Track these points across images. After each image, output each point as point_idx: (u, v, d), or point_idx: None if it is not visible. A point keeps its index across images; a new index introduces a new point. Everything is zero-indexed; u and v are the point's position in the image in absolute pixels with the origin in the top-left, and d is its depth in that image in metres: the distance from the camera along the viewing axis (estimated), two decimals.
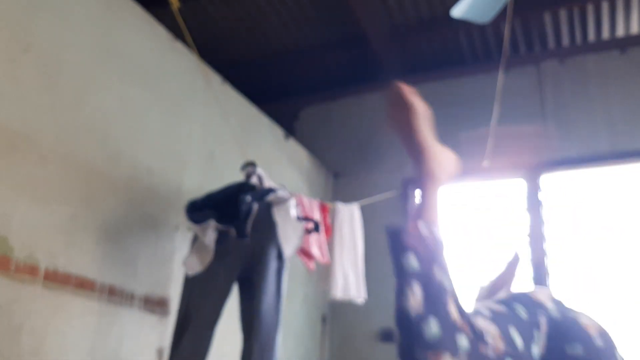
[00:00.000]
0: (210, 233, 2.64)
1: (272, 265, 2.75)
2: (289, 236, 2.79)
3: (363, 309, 3.98)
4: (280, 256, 2.79)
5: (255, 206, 2.75)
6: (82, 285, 2.48)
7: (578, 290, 4.02)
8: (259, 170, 2.99)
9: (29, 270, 2.25)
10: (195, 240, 2.76)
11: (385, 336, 4.34)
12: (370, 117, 4.96)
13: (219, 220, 2.69)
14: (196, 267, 2.64)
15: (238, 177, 3.11)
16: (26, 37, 2.37)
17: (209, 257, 2.64)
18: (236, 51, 4.80)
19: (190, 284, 2.70)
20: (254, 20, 4.47)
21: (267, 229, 2.78)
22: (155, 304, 2.89)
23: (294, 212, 2.87)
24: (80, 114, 2.60)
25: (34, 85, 2.38)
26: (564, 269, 4.07)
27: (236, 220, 2.70)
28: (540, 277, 4.05)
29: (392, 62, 4.84)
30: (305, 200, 3.29)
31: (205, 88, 3.47)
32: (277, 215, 2.80)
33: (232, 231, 2.69)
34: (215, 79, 3.58)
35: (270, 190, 2.86)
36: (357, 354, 4.40)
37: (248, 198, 2.73)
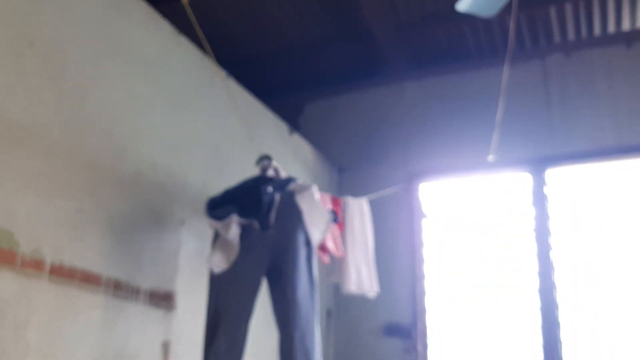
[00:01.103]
0: (233, 228, 2.61)
1: (302, 252, 2.71)
2: (316, 221, 2.75)
3: (368, 303, 3.99)
4: (308, 243, 2.76)
5: (278, 196, 2.74)
6: (88, 279, 2.49)
7: (583, 285, 4.01)
8: (274, 163, 2.97)
9: (35, 265, 2.26)
10: (217, 237, 2.74)
11: (391, 330, 4.35)
12: (375, 111, 4.95)
13: (241, 214, 2.66)
14: (222, 265, 2.61)
15: (243, 171, 3.12)
16: (31, 31, 2.37)
17: (234, 253, 2.61)
18: (241, 46, 4.79)
19: (217, 282, 2.67)
20: (258, 15, 4.46)
21: (291, 218, 2.74)
22: (160, 299, 2.89)
23: (318, 196, 2.83)
24: (86, 108, 2.60)
25: (39, 80, 2.38)
26: (569, 264, 4.06)
27: (258, 213, 2.68)
28: (545, 271, 4.04)
29: (397, 56, 4.83)
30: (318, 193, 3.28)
31: (210, 83, 3.47)
32: (302, 202, 2.76)
33: (255, 224, 2.67)
34: (220, 74, 3.58)
35: (290, 180, 2.84)
36: (362, 348, 4.41)
37: (270, 189, 2.72)
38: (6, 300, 2.14)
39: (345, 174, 4.89)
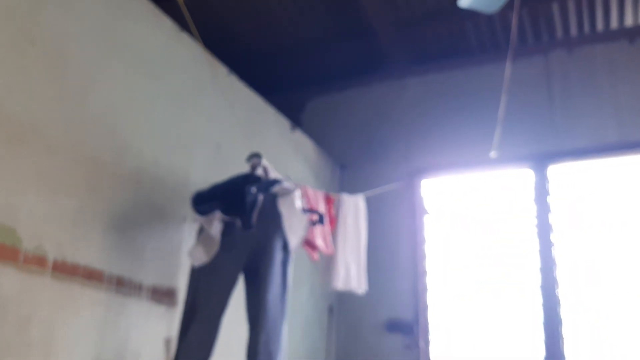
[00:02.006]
0: (216, 224, 2.66)
1: (278, 256, 2.76)
2: (294, 227, 2.80)
3: (370, 300, 4.00)
4: (285, 247, 2.80)
5: (261, 197, 2.76)
6: (90, 276, 2.50)
7: (585, 281, 4.01)
8: (264, 162, 2.99)
9: (38, 261, 2.27)
10: (202, 231, 2.78)
11: (392, 326, 4.35)
12: (377, 108, 4.95)
13: (225, 211, 2.69)
14: (202, 258, 2.66)
15: (244, 168, 3.12)
16: (33, 29, 2.37)
17: (214, 248, 2.65)
18: (242, 42, 4.79)
19: (196, 274, 2.72)
20: (260, 12, 4.46)
21: (272, 220, 2.79)
22: (163, 295, 2.90)
23: (299, 203, 2.87)
24: (87, 105, 2.60)
25: (41, 78, 2.39)
26: (571, 260, 4.06)
27: (242, 212, 2.71)
28: (547, 267, 4.04)
29: (398, 53, 4.83)
30: (310, 191, 3.29)
31: (212, 79, 3.47)
32: (283, 206, 2.81)
33: (238, 222, 2.70)
34: (221, 71, 3.58)
35: (275, 182, 2.87)
36: (364, 344, 4.42)
37: (253, 189, 2.74)
38: (9, 297, 2.15)
39: (347, 170, 4.90)
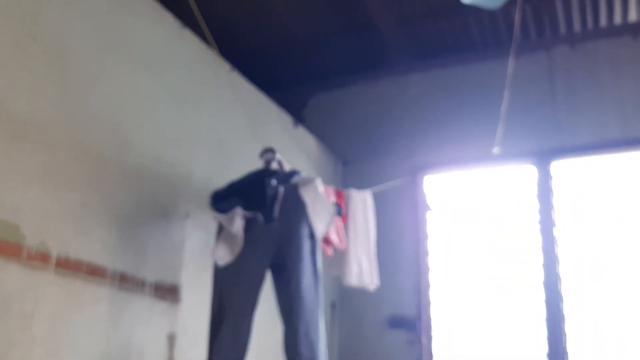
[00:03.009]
0: (238, 221, 2.62)
1: (306, 245, 2.71)
2: (320, 214, 2.75)
3: (373, 296, 4.00)
4: (312, 236, 2.76)
5: (282, 189, 2.74)
6: (94, 272, 2.51)
7: (588, 277, 4.01)
8: (278, 156, 2.97)
9: (41, 258, 2.27)
10: (221, 230, 2.74)
11: (395, 322, 4.36)
12: (379, 104, 4.94)
13: (245, 207, 2.67)
14: (226, 257, 2.62)
15: (247, 164, 3.12)
16: (34, 26, 2.37)
17: (238, 245, 2.62)
18: (245, 39, 4.79)
19: (221, 274, 2.68)
20: (263, 8, 4.45)
21: (295, 211, 2.75)
22: (166, 291, 2.91)
23: (322, 189, 2.83)
24: (89, 102, 2.60)
25: (43, 75, 2.39)
26: (574, 256, 4.05)
27: (262, 206, 2.68)
28: (550, 264, 4.04)
29: (401, 49, 4.82)
30: (321, 186, 3.28)
31: (214, 76, 3.47)
32: (306, 195, 2.76)
33: (260, 217, 2.68)
34: (224, 67, 3.57)
35: (294, 173, 2.85)
36: (366, 341, 4.42)
37: (274, 182, 2.72)
38: (12, 293, 2.16)
39: (350, 166, 4.89)
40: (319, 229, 2.75)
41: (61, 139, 2.43)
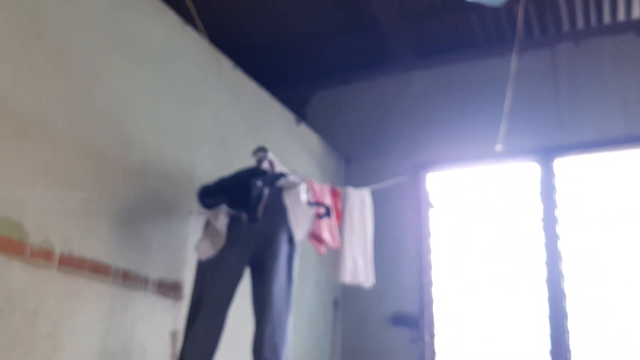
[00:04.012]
0: (222, 218, 2.66)
1: (283, 249, 2.76)
2: (299, 221, 2.79)
3: (375, 293, 4.00)
4: (291, 240, 2.80)
5: (266, 191, 2.76)
6: (97, 269, 2.51)
7: (591, 274, 4.00)
8: (270, 156, 2.99)
9: (44, 255, 2.28)
10: (208, 225, 2.78)
11: (398, 320, 4.36)
12: (382, 102, 4.94)
13: (231, 205, 2.70)
14: (208, 252, 2.67)
15: (249, 162, 3.12)
16: (38, 23, 2.37)
17: (221, 241, 2.66)
18: (247, 36, 4.78)
19: (202, 268, 2.73)
20: (265, 5, 4.45)
21: (278, 214, 2.79)
22: (168, 288, 2.91)
23: (304, 196, 2.87)
24: (92, 99, 2.60)
25: (46, 72, 2.39)
26: (577, 254, 4.05)
27: (247, 205, 2.71)
28: (553, 261, 4.04)
29: (404, 46, 4.81)
30: (317, 185, 3.29)
31: (217, 73, 3.46)
32: (288, 200, 2.81)
33: (244, 216, 2.71)
34: (226, 64, 3.57)
35: (280, 175, 2.87)
36: (369, 338, 4.42)
37: (259, 183, 2.74)
38: (16, 290, 2.16)
39: (352, 164, 4.89)
40: (298, 234, 2.79)
41: (64, 136, 2.43)
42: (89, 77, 2.59)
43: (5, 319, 2.11)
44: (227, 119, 3.54)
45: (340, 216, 3.44)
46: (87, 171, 2.52)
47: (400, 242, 4.46)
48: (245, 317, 2.89)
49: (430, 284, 4.38)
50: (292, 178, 2.88)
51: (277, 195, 2.82)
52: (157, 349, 2.81)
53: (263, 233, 2.75)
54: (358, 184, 3.97)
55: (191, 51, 3.30)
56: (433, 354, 4.24)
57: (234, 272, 2.72)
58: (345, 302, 4.58)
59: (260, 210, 2.73)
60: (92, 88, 2.61)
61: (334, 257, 3.39)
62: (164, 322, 2.87)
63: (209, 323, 2.63)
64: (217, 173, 3.29)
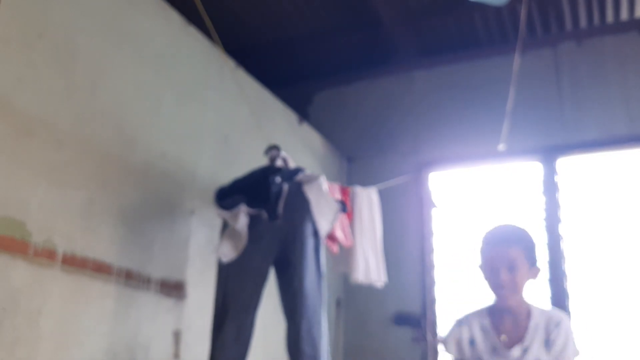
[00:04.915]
0: (242, 218, 2.62)
1: (309, 243, 2.71)
2: (324, 212, 2.74)
3: (378, 293, 4.00)
4: (315, 234, 2.75)
5: (286, 187, 2.74)
6: (100, 269, 2.51)
7: (594, 274, 4.00)
8: (283, 153, 2.97)
9: (47, 255, 2.28)
10: (225, 227, 2.75)
11: (400, 320, 4.36)
12: (384, 100, 4.93)
13: (250, 204, 2.67)
14: (231, 254, 2.62)
15: (252, 161, 3.12)
16: (40, 23, 2.37)
17: (242, 242, 2.62)
18: (250, 35, 4.78)
19: (225, 271, 2.69)
20: (267, 4, 4.44)
21: (299, 209, 2.74)
22: (171, 288, 2.91)
23: (326, 187, 2.83)
24: (95, 98, 2.61)
25: (49, 71, 2.39)
26: (580, 253, 4.04)
27: (266, 203, 2.69)
28: (556, 261, 4.03)
29: (406, 45, 4.80)
30: (327, 183, 3.28)
31: (219, 72, 3.46)
32: (310, 192, 2.76)
33: (264, 214, 2.68)
34: (229, 64, 3.57)
35: (298, 170, 2.85)
36: (371, 337, 4.42)
37: (278, 179, 2.72)
38: (19, 290, 2.16)
39: (355, 163, 4.89)
40: (323, 227, 2.75)
41: (67, 135, 2.43)
42: (92, 76, 2.59)
43: (8, 318, 2.11)
44: (230, 119, 3.54)
45: (350, 215, 3.43)
46: (89, 170, 2.52)
47: (403, 242, 4.46)
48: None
49: (432, 283, 4.38)
50: (310, 172, 2.85)
51: (296, 191, 2.78)
52: (160, 349, 2.81)
53: (285, 230, 2.71)
54: (360, 183, 3.97)
55: (194, 51, 3.30)
56: (435, 353, 4.24)
57: (260, 272, 2.69)
58: (348, 301, 4.58)
59: (281, 206, 2.70)
60: (95, 88, 2.61)
61: (344, 256, 3.38)
62: (166, 321, 2.87)
63: (239, 327, 2.60)
64: (219, 172, 3.30)
